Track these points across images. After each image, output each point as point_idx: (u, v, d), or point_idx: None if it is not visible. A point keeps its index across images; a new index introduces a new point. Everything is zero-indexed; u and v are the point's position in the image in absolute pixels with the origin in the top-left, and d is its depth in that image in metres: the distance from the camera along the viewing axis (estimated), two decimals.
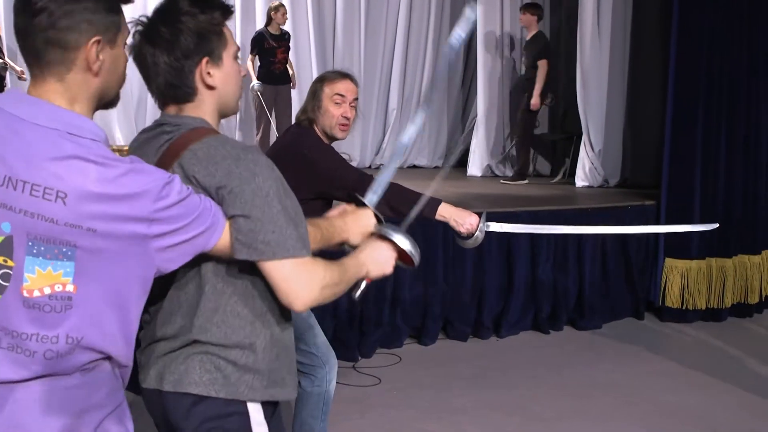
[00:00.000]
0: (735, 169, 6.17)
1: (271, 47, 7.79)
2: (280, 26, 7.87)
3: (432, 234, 5.23)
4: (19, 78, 7.14)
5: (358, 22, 8.97)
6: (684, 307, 6.04)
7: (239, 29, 8.49)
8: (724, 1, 6.04)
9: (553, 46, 9.20)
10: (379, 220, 1.94)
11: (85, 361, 1.46)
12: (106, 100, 1.54)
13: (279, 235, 1.58)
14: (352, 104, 3.05)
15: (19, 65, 7.11)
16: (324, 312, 4.76)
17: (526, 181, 7.82)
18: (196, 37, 1.64)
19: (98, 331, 1.45)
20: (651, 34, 7.35)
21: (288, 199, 1.64)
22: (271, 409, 1.77)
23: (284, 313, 1.75)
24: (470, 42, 9.54)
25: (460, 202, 6.09)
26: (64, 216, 1.38)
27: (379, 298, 5.12)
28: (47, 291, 1.40)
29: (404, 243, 1.85)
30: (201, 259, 1.60)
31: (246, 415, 1.70)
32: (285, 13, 7.85)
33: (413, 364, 4.89)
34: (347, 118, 3.02)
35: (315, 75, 8.41)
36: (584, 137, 7.55)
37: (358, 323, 5.06)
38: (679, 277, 6.06)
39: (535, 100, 7.65)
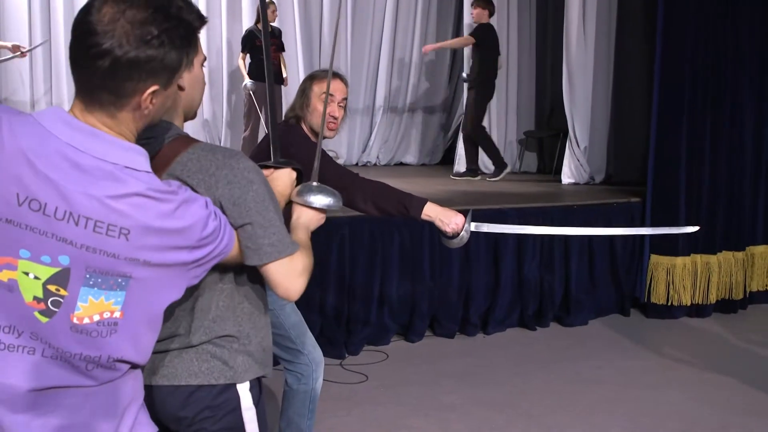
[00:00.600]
0: (719, 166, 6.21)
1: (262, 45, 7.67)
2: (271, 23, 7.76)
3: (419, 232, 5.25)
4: (14, 53, 6.60)
5: (344, 20, 8.97)
6: (669, 304, 6.09)
7: (225, 27, 8.47)
8: None
9: (540, 43, 9.25)
10: (296, 170, 1.99)
11: (122, 372, 1.51)
12: (149, 127, 1.56)
13: (279, 235, 1.69)
14: (341, 104, 3.08)
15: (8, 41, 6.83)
16: (311, 309, 4.77)
17: (478, 178, 7.74)
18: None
19: (135, 348, 1.50)
20: (636, 32, 7.38)
21: (274, 198, 1.73)
22: (257, 394, 1.85)
23: (265, 300, 1.88)
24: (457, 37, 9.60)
25: (446, 200, 6.12)
26: (125, 251, 1.40)
27: (366, 296, 5.13)
28: (96, 318, 1.43)
29: (322, 202, 1.95)
30: None
31: (237, 399, 1.80)
32: (275, 10, 7.76)
33: (400, 362, 4.90)
34: (335, 117, 3.05)
35: (302, 73, 8.45)
36: (570, 134, 7.58)
37: (345, 321, 5.07)
38: (664, 274, 6.10)
39: (427, 47, 7.91)
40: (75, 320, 1.41)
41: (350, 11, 9.01)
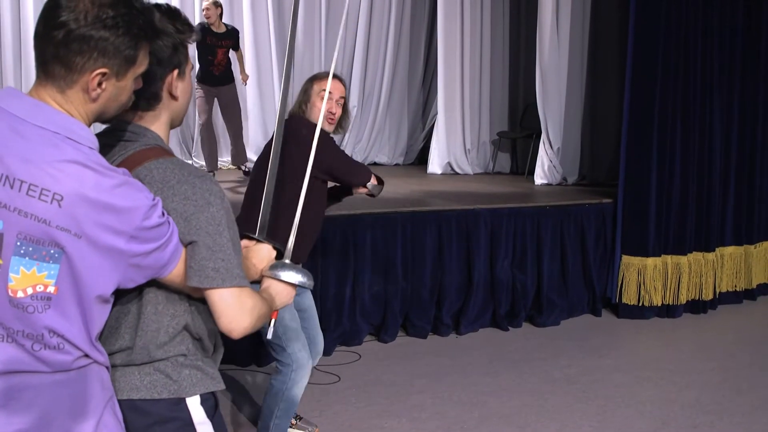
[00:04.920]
0: (690, 167, 6.27)
1: (210, 45, 7.10)
2: (224, 24, 7.30)
3: (392, 232, 5.24)
4: None
5: (318, 20, 8.95)
6: (640, 304, 6.14)
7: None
8: (680, 1, 6.13)
9: (513, 45, 9.30)
10: (276, 250, 2.01)
11: (74, 357, 1.49)
12: (102, 120, 1.57)
13: (227, 263, 1.63)
14: (339, 101, 3.36)
15: None
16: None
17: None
18: (172, 49, 1.71)
19: (73, 328, 1.47)
20: (609, 33, 7.45)
21: (233, 229, 1.69)
22: (212, 407, 1.80)
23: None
24: (431, 42, 9.61)
25: (420, 200, 6.14)
26: (57, 218, 1.40)
27: (338, 296, 5.12)
28: (30, 291, 1.42)
29: (293, 278, 1.96)
30: (146, 282, 1.62)
31: (188, 414, 1.74)
32: (208, 8, 7.10)
33: (373, 362, 4.90)
34: (332, 113, 3.33)
35: (276, 73, 8.41)
36: (543, 135, 7.62)
37: (320, 318, 5.03)
38: (635, 275, 6.15)
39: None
40: (10, 293, 1.41)
41: (324, 12, 8.99)
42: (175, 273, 1.60)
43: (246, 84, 7.92)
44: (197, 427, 1.75)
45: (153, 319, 1.69)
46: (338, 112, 3.37)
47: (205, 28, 7.09)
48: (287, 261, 2.01)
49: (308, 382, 4.39)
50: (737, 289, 6.71)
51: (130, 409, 1.69)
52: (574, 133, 7.76)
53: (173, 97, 1.75)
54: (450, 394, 4.40)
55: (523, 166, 8.70)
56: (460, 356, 5.08)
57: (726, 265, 6.63)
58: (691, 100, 6.25)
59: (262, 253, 1.97)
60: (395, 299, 5.31)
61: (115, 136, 1.71)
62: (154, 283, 1.66)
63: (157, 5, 1.72)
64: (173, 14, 1.73)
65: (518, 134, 9.06)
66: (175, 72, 1.73)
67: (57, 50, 1.42)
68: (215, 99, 7.30)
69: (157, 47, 1.67)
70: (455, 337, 5.49)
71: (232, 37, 7.32)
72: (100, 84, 1.46)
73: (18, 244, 1.40)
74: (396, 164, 9.55)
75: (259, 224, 2.05)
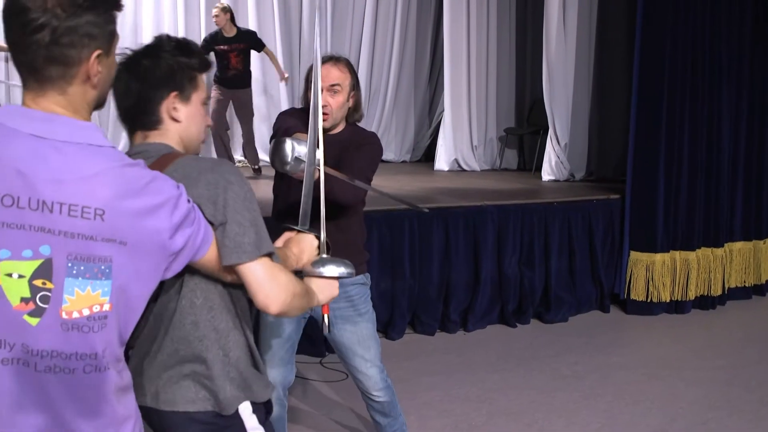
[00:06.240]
0: (698, 162, 6.24)
1: (222, 51, 7.19)
2: (237, 27, 7.33)
3: (399, 229, 5.24)
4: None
5: (324, 17, 8.92)
6: (649, 300, 6.12)
7: (182, 23, 8.26)
8: None
9: (520, 40, 9.28)
10: (318, 240, 2.04)
11: (113, 369, 1.48)
12: (100, 104, 1.55)
13: (258, 236, 1.66)
14: (333, 89, 2.85)
15: None
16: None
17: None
18: (169, 72, 1.76)
19: (121, 341, 1.48)
20: (616, 29, 7.41)
21: (254, 203, 1.71)
22: (263, 412, 1.85)
23: (249, 321, 1.85)
24: (437, 38, 9.59)
25: (427, 197, 6.13)
26: (102, 232, 1.38)
27: None
28: (86, 312, 1.40)
29: (333, 272, 1.96)
30: (179, 274, 1.63)
31: (240, 422, 1.79)
32: (217, 15, 7.16)
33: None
34: (324, 105, 2.79)
35: (281, 66, 8.38)
36: (550, 131, 7.60)
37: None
38: (643, 270, 6.13)
39: None
40: (64, 315, 1.38)
41: (330, 9, 8.97)
42: (207, 257, 1.60)
43: (286, 82, 7.95)
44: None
45: (190, 312, 1.74)
46: (333, 102, 2.85)
47: (214, 35, 7.20)
48: (325, 256, 2.02)
49: (316, 380, 4.42)
50: (746, 285, 6.68)
51: (186, 418, 1.76)
52: (581, 128, 7.74)
53: (174, 119, 1.78)
54: (458, 391, 4.39)
55: (531, 163, 8.67)
56: (467, 353, 5.08)
57: (735, 261, 6.60)
58: (699, 94, 6.22)
59: (305, 243, 2.01)
60: (403, 296, 5.30)
61: None
62: (191, 278, 1.71)
63: (168, 37, 1.80)
64: (181, 46, 1.80)
65: (525, 130, 9.03)
66: (173, 95, 1.76)
67: (49, 51, 1.37)
68: (230, 102, 7.37)
69: (145, 67, 1.74)
70: (463, 334, 5.48)
71: (244, 40, 7.33)
72: (98, 66, 1.44)
73: (69, 265, 1.37)
74: (403, 161, 9.54)
75: (300, 215, 2.06)
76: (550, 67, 7.49)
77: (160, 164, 1.69)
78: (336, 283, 1.98)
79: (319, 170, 2.11)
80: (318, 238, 2.03)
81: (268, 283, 1.66)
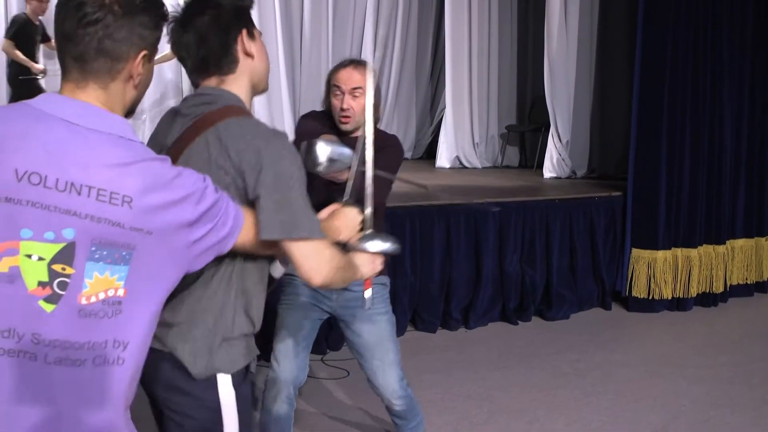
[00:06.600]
0: (700, 159, 6.23)
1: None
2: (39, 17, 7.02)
3: (400, 226, 5.23)
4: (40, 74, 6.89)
5: (325, 14, 8.91)
6: (650, 297, 6.11)
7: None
8: None
9: (522, 37, 9.26)
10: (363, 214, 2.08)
11: (123, 359, 1.47)
12: (132, 109, 1.59)
13: (301, 216, 1.68)
14: (354, 93, 2.87)
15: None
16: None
17: None
18: (235, 12, 1.83)
19: (138, 332, 1.47)
20: (618, 25, 7.40)
21: (304, 186, 1.74)
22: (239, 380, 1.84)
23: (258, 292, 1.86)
24: (438, 35, 9.57)
25: (428, 194, 6.12)
26: (129, 220, 1.39)
27: None
28: (102, 296, 1.40)
29: (378, 247, 2.03)
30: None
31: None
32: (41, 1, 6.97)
33: None
34: (344, 109, 2.86)
35: (282, 69, 8.38)
36: (552, 129, 7.59)
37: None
38: (645, 267, 6.12)
39: None
40: (83, 301, 1.38)
41: (331, 6, 8.95)
42: (240, 241, 1.62)
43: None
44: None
45: (217, 290, 1.76)
46: (354, 105, 2.85)
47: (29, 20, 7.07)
48: (369, 231, 2.07)
49: (317, 377, 4.41)
50: (748, 282, 6.67)
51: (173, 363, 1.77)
52: (583, 125, 7.73)
53: (249, 55, 1.83)
54: (459, 388, 4.39)
55: (532, 160, 8.66)
56: (469, 351, 5.07)
57: (737, 258, 6.59)
58: (701, 91, 6.21)
59: (349, 216, 2.05)
60: (404, 294, 5.29)
61: (198, 100, 1.81)
62: (226, 258, 1.71)
63: None
64: None
65: (527, 127, 9.02)
66: (244, 32, 1.82)
67: (101, 44, 1.43)
68: None
69: (212, 15, 1.79)
70: (464, 332, 5.48)
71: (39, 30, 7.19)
72: (142, 67, 1.50)
73: (93, 249, 1.38)
74: (404, 158, 9.51)
75: (347, 189, 2.11)
76: (551, 64, 7.48)
77: (221, 114, 1.73)
78: (380, 259, 2.04)
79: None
80: (362, 212, 2.07)
81: (312, 257, 1.70)
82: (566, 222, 5.95)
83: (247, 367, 1.85)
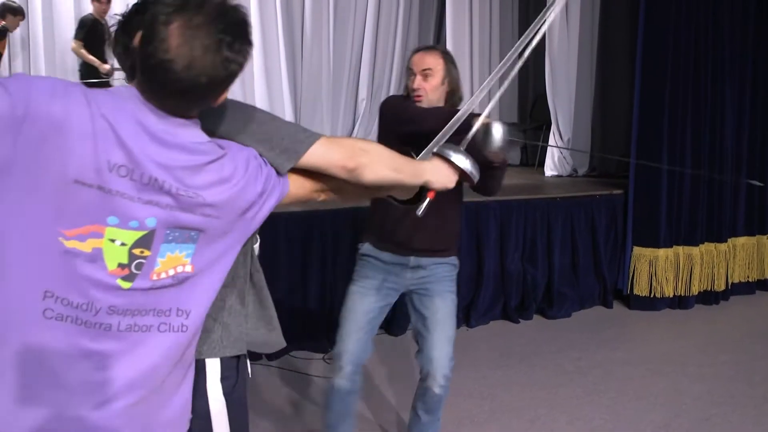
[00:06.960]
0: (701, 157, 6.23)
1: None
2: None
3: None
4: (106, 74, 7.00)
5: (326, 11, 8.91)
6: (652, 295, 6.10)
7: None
8: None
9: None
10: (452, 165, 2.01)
11: (186, 327, 1.56)
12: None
13: (297, 132, 1.68)
14: (425, 73, 3.02)
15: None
16: (293, 302, 4.74)
17: None
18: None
19: (200, 302, 1.57)
20: (619, 24, 7.41)
21: (267, 113, 1.74)
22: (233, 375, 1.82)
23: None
24: (439, 32, 9.56)
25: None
26: (202, 209, 1.49)
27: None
28: (171, 273, 1.50)
29: (464, 162, 1.95)
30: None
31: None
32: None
33: (383, 355, 4.88)
34: (415, 89, 3.03)
35: (283, 64, 8.37)
36: (553, 127, 7.59)
37: (328, 313, 5.03)
38: (647, 266, 6.11)
39: None
40: (154, 277, 1.47)
41: (332, 2, 8.95)
42: (300, 193, 1.71)
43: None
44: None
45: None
46: (425, 85, 3.01)
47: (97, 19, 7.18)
48: (461, 147, 2.00)
49: (317, 376, 4.41)
50: (750, 280, 6.66)
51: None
52: (584, 124, 7.72)
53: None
54: (460, 387, 4.38)
55: (533, 158, 8.65)
56: (470, 349, 5.07)
57: (738, 256, 6.59)
58: (702, 89, 6.20)
59: (444, 171, 1.97)
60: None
61: None
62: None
63: None
64: None
65: (528, 126, 9.02)
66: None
67: (190, 104, 1.50)
68: None
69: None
70: (465, 330, 5.47)
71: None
72: None
73: (167, 233, 1.47)
74: None
75: (428, 148, 2.05)
76: (552, 63, 7.47)
77: None
78: (454, 177, 1.97)
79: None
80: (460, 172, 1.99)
81: (331, 151, 1.69)
82: (567, 220, 5.94)
83: (238, 368, 1.81)
